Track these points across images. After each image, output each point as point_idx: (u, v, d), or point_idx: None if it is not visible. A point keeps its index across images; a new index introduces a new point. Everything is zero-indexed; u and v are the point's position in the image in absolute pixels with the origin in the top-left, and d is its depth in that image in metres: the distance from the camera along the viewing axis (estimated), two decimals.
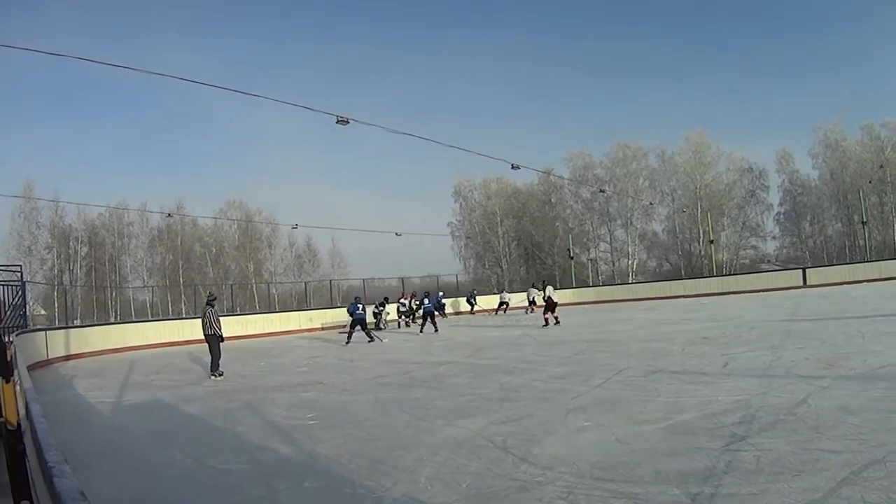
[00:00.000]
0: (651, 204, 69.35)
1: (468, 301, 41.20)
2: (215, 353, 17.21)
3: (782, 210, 70.90)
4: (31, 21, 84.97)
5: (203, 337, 17.78)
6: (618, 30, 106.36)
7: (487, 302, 42.27)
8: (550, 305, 27.02)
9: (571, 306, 43.64)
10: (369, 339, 25.76)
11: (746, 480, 5.69)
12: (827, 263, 54.34)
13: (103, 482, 7.30)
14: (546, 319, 26.74)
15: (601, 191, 64.90)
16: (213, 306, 17.96)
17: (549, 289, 27.76)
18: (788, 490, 5.37)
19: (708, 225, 61.15)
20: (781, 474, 5.77)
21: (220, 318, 18.06)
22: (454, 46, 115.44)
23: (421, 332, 27.83)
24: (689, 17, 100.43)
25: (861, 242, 58.10)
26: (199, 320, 18.23)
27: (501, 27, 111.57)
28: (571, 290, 50.01)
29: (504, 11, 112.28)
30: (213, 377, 16.77)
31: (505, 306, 39.08)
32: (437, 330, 27.66)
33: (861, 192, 55.27)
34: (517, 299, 42.43)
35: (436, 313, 31.29)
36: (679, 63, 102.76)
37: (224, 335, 18.03)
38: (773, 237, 71.62)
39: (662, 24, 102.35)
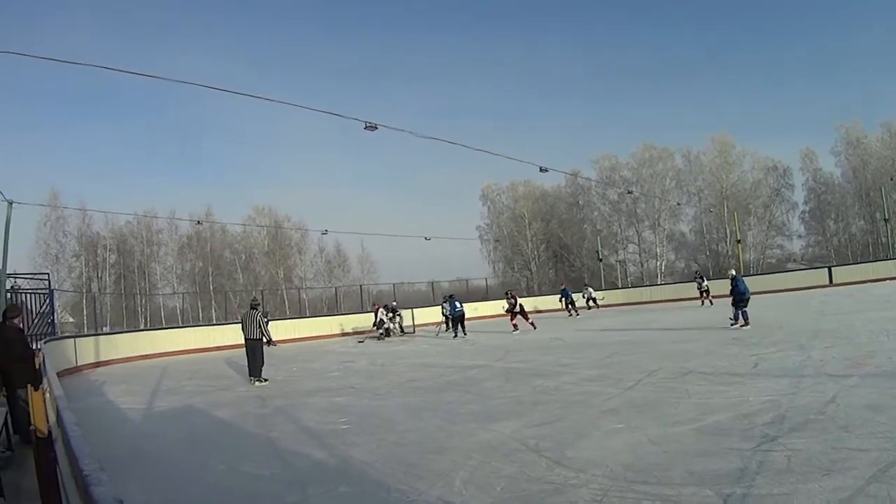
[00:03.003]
0: (678, 204, 69.19)
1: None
2: (259, 359, 17.02)
3: (807, 208, 70.69)
4: (54, 31, 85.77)
5: (244, 342, 17.49)
6: (640, 32, 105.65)
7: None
8: (523, 312, 27.65)
9: (601, 308, 43.58)
10: (454, 335, 26.97)
11: (778, 480, 5.73)
12: (852, 262, 53.79)
13: (135, 489, 7.38)
14: (515, 325, 27.17)
15: (629, 192, 64.68)
16: (257, 310, 17.63)
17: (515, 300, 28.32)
18: (818, 490, 5.42)
19: (735, 224, 60.75)
20: (811, 474, 5.81)
21: (267, 323, 17.99)
22: (480, 51, 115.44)
23: (455, 336, 27.73)
24: (711, 19, 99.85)
25: (884, 240, 57.57)
26: (236, 325, 18.15)
27: (527, 32, 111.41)
28: (601, 292, 49.86)
29: (530, 16, 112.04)
30: (256, 383, 16.67)
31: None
32: (465, 334, 27.68)
33: (883, 190, 54.80)
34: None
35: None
36: (701, 63, 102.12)
37: (273, 339, 18.03)
38: (799, 236, 71.45)
39: (684, 26, 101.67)
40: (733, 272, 22.46)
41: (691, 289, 35.66)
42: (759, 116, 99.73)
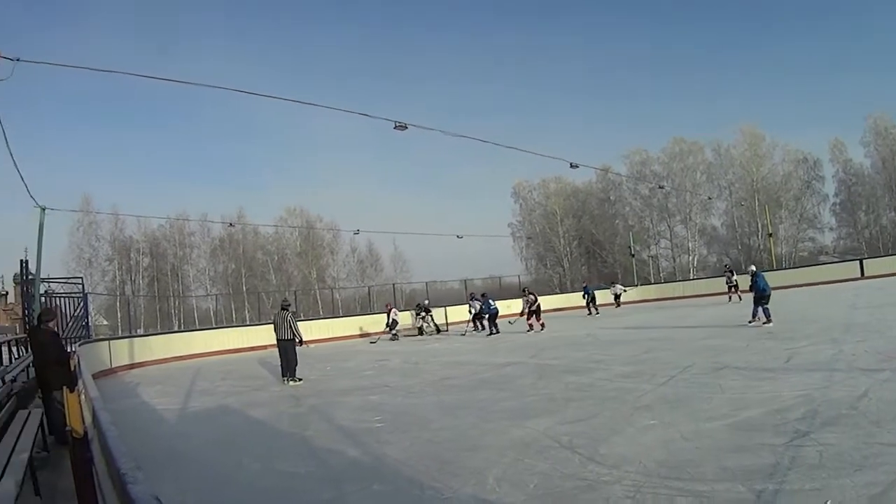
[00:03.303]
0: (709, 198, 68.62)
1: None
2: (292, 359, 17.12)
3: (837, 200, 69.85)
4: (84, 38, 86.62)
5: (276, 342, 17.65)
6: (666, 24, 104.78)
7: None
8: (538, 311, 27.17)
9: (634, 304, 43.67)
10: (489, 332, 27.02)
11: (809, 476, 5.74)
12: (883, 254, 53.25)
13: (171, 489, 7.46)
14: (530, 325, 26.83)
15: (660, 187, 64.24)
16: (288, 311, 17.79)
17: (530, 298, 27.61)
18: (850, 485, 5.41)
19: (766, 218, 60.30)
20: (843, 469, 5.80)
21: (298, 323, 18.10)
22: (508, 48, 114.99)
23: (490, 334, 27.75)
24: (737, 9, 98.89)
25: None
26: (269, 326, 18.27)
27: (554, 27, 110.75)
28: (634, 288, 49.68)
29: (555, 11, 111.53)
30: (290, 383, 16.78)
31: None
32: (498, 331, 27.69)
33: None
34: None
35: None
36: (728, 55, 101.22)
37: (304, 338, 18.11)
38: (831, 228, 70.64)
39: (710, 18, 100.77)
40: (753, 268, 22.26)
41: (723, 283, 35.38)
42: (787, 107, 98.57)
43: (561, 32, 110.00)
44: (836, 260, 53.53)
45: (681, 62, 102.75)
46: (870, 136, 66.99)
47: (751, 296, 20.53)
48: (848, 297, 26.44)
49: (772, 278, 39.82)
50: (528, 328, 26.78)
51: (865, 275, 38.75)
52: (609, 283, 47.07)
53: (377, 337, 32.06)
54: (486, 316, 28.49)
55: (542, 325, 26.83)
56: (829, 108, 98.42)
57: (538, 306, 27.20)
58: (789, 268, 51.15)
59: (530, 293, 27.34)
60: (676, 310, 32.16)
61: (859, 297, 25.80)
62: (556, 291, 52.67)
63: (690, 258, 70.11)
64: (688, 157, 71.02)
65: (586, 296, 37.64)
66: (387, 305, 34.86)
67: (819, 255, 65.96)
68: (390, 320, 31.63)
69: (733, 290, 33.67)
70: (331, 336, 33.88)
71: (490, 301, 28.93)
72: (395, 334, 31.41)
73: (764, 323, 19.07)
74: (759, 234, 66.86)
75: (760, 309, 19.49)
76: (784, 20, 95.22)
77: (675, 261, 71.91)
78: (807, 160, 69.92)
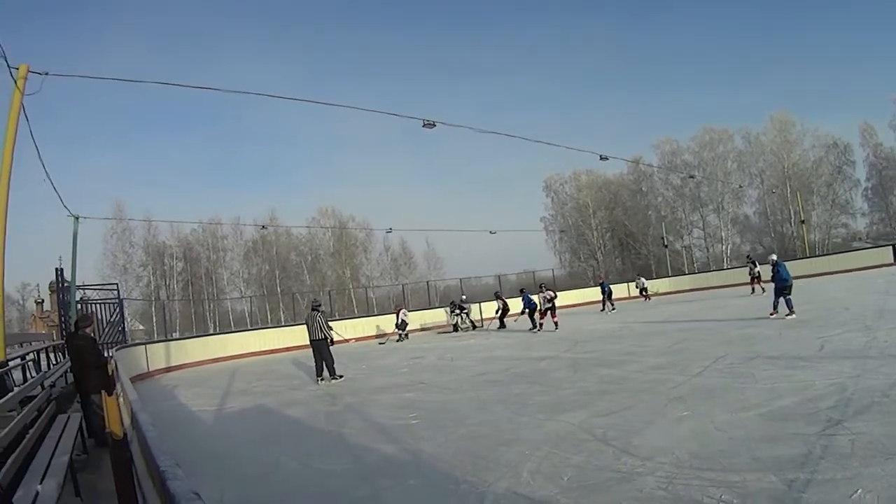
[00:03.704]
0: (740, 187, 68.18)
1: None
2: (328, 358, 17.24)
3: (869, 185, 69.07)
4: (118, 47, 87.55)
5: (309, 343, 17.80)
6: (691, 14, 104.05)
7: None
8: (553, 309, 26.22)
9: (667, 295, 43.61)
10: (532, 327, 26.59)
11: (841, 465, 5.77)
12: None
13: (210, 488, 7.61)
14: (541, 324, 26.34)
15: (691, 176, 63.91)
16: (319, 311, 17.94)
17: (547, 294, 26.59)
18: (881, 474, 5.45)
19: (798, 205, 59.78)
20: (874, 458, 5.84)
21: (329, 322, 18.21)
22: (535, 42, 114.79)
23: (533, 328, 27.25)
24: None
25: None
26: (304, 326, 18.38)
27: (579, 19, 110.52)
28: (668, 278, 49.48)
29: (583, 4, 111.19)
30: (332, 381, 16.92)
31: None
32: (539, 326, 27.53)
33: None
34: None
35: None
36: (756, 41, 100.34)
37: (335, 338, 18.17)
38: (863, 214, 69.86)
39: (735, 5, 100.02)
40: (774, 257, 21.68)
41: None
42: (815, 92, 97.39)
43: (588, 25, 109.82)
44: (869, 245, 52.76)
45: (707, 51, 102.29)
46: None
47: (771, 286, 20.29)
48: (881, 283, 26.17)
49: (804, 266, 39.61)
50: (538, 327, 26.41)
51: None
52: (636, 276, 46.86)
53: (386, 338, 32.18)
54: (527, 311, 28.26)
55: (556, 323, 26.08)
56: (857, 93, 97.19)
57: (554, 303, 26.51)
58: (822, 255, 50.50)
59: (548, 289, 26.74)
60: (710, 300, 31.96)
61: (892, 283, 25.55)
62: (590, 284, 52.26)
63: (724, 247, 69.62)
64: (718, 145, 70.57)
65: (603, 291, 36.30)
66: (396, 306, 34.98)
67: (852, 241, 65.14)
68: (399, 321, 31.68)
69: (756, 280, 33.00)
70: (365, 335, 33.99)
71: (528, 295, 28.74)
72: (402, 335, 31.43)
73: (787, 315, 18.74)
74: (792, 221, 66.31)
75: (782, 300, 19.14)
76: (809, 4, 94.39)
77: (708, 251, 71.48)
78: (837, 145, 69.07)
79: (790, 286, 19.27)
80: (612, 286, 36.75)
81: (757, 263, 33.74)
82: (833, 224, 68.30)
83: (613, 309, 34.37)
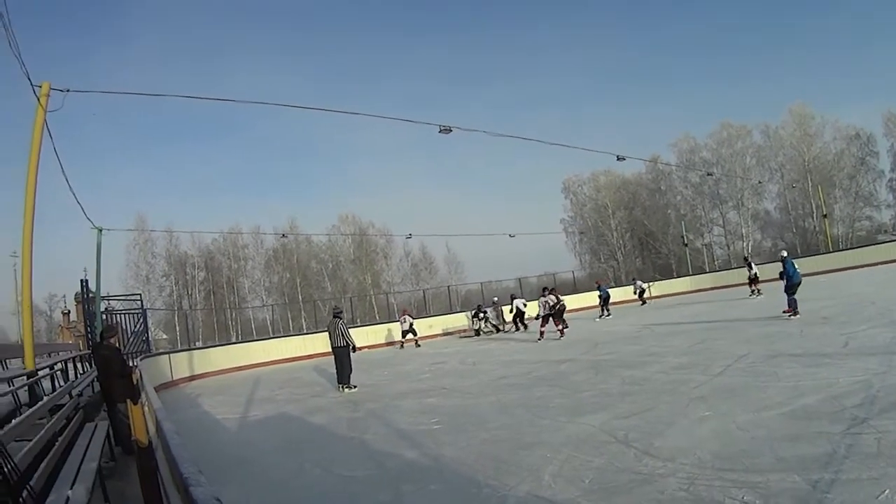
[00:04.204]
0: (760, 182, 67.64)
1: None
2: (347, 366, 17.24)
3: (894, 176, 67.88)
4: (131, 60, 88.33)
5: (331, 350, 17.80)
6: (708, 8, 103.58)
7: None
8: (560, 314, 24.52)
9: (688, 294, 43.16)
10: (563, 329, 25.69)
11: (867, 465, 5.70)
12: None
13: (235, 493, 7.76)
14: (542, 332, 24.46)
15: (709, 174, 63.40)
16: (340, 318, 17.97)
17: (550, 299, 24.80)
18: None
19: (820, 198, 59.38)
20: None
21: (350, 330, 18.20)
22: (547, 42, 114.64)
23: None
24: None
25: None
26: (326, 334, 18.40)
27: (590, 19, 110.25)
28: (689, 277, 49.13)
29: (597, 3, 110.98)
30: (346, 390, 16.88)
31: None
32: (566, 326, 27.23)
33: None
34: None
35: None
36: (772, 33, 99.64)
37: (357, 345, 18.15)
38: (888, 205, 68.68)
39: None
40: (784, 253, 21.21)
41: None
42: (836, 83, 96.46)
43: (601, 24, 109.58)
44: (894, 238, 52.34)
45: (723, 46, 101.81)
46: None
47: (771, 285, 19.90)
48: None
49: (827, 260, 39.28)
50: (539, 335, 24.53)
51: None
52: (633, 280, 46.73)
53: (400, 343, 32.13)
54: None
55: (561, 330, 24.22)
56: (881, 81, 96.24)
57: (561, 308, 25.03)
58: (846, 249, 50.06)
59: (551, 293, 25.40)
60: (731, 298, 31.30)
61: None
62: (611, 285, 52.11)
63: (745, 244, 69.08)
64: (736, 141, 70.23)
65: (600, 296, 34.44)
66: (403, 311, 34.79)
67: (877, 234, 64.38)
68: (407, 326, 31.68)
69: (753, 282, 31.40)
70: (388, 340, 34.13)
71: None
72: (403, 344, 31.53)
73: (790, 313, 18.50)
74: (814, 215, 65.68)
75: (794, 298, 18.78)
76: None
77: (729, 248, 71.01)
78: (859, 136, 68.18)
79: (798, 284, 18.99)
80: (610, 290, 35.75)
81: (753, 265, 32.40)
82: (857, 217, 67.46)
83: (609, 315, 32.77)
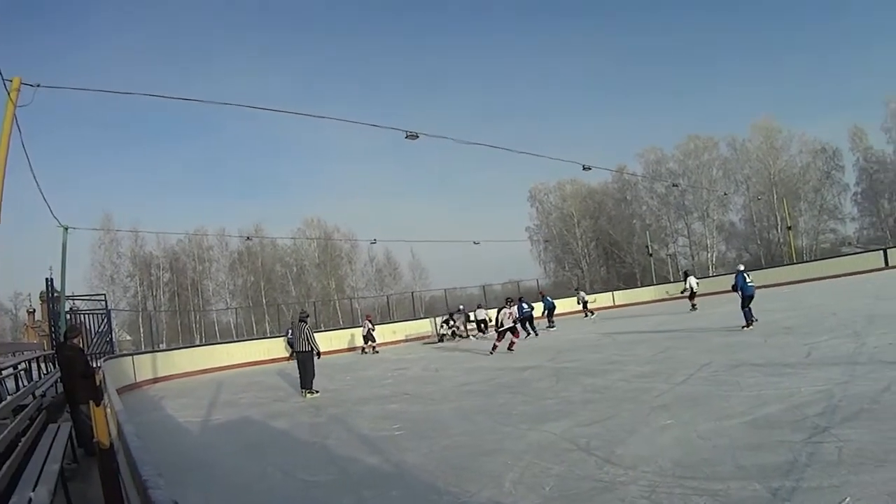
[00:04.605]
0: (725, 194, 68.09)
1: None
2: (310, 371, 17.07)
3: (859, 189, 68.70)
4: (103, 60, 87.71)
5: (295, 354, 17.72)
6: (676, 20, 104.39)
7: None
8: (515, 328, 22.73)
9: (651, 304, 43.25)
10: (527, 335, 26.50)
11: (828, 473, 5.72)
12: None
13: (195, 496, 7.73)
14: (495, 346, 22.55)
15: (674, 185, 63.87)
16: (306, 323, 17.86)
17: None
18: (870, 481, 5.39)
19: (785, 211, 59.92)
20: (863, 465, 5.79)
21: (315, 335, 18.03)
22: (515, 51, 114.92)
23: (527, 336, 26.91)
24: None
25: None
26: (290, 337, 18.31)
27: (558, 29, 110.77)
28: (653, 287, 49.31)
29: (557, 11, 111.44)
30: (308, 395, 16.71)
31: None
32: (536, 334, 27.52)
33: None
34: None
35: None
36: (741, 46, 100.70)
37: (321, 350, 18.04)
38: (852, 218, 69.63)
39: (718, 9, 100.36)
40: (741, 267, 21.60)
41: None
42: (803, 97, 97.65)
43: (571, 33, 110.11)
44: (860, 250, 52.83)
45: (692, 56, 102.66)
46: (891, 122, 65.71)
47: (707, 299, 19.96)
48: (871, 288, 26.21)
49: (791, 272, 39.71)
50: (491, 348, 22.57)
51: (890, 264, 38.22)
52: (576, 290, 46.26)
53: (361, 348, 32.08)
54: (523, 319, 27.76)
55: (512, 343, 22.37)
56: (847, 97, 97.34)
57: (519, 319, 24.35)
58: (810, 260, 50.60)
59: (513, 303, 23.64)
60: (675, 314, 31.24)
61: (883, 287, 25.58)
62: (572, 294, 52.40)
63: (709, 255, 69.66)
64: (703, 153, 70.71)
65: (544, 306, 33.79)
66: (367, 317, 34.66)
67: (841, 247, 65.15)
68: (366, 332, 31.71)
69: (690, 295, 30.53)
70: (352, 346, 34.05)
71: (524, 304, 28.31)
72: (365, 349, 31.60)
73: (744, 327, 18.67)
74: (779, 227, 66.23)
75: (743, 311, 19.08)
76: (797, 5, 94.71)
77: (693, 258, 71.46)
78: (825, 150, 69.06)
79: (750, 297, 19.23)
80: (555, 301, 35.16)
81: (688, 279, 31.54)
82: (821, 229, 68.21)
83: (553, 327, 31.93)
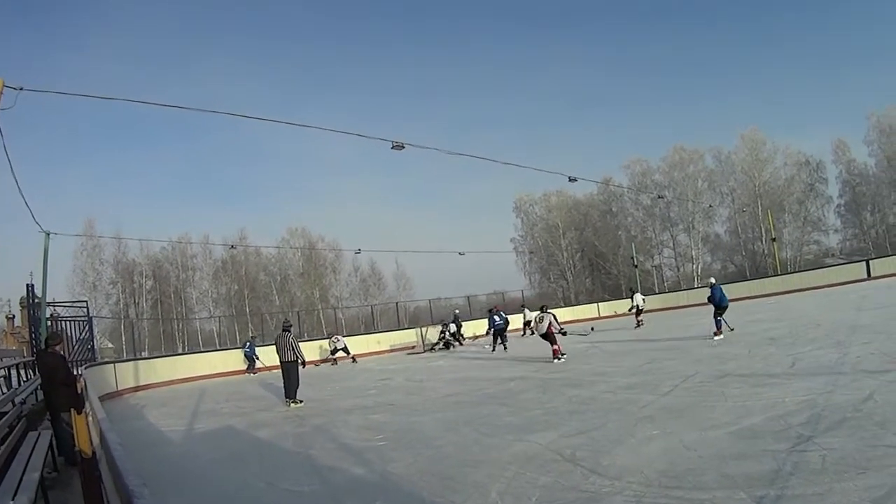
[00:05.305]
0: (710, 206, 68.47)
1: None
2: (294, 380, 17.02)
3: (842, 201, 69.68)
4: (87, 65, 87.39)
5: (279, 364, 17.58)
6: (662, 31, 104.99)
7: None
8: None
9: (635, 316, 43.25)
10: (503, 345, 26.63)
11: (812, 481, 5.73)
12: (890, 253, 52.78)
13: None
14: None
15: (660, 196, 64.09)
16: (290, 332, 17.68)
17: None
18: (853, 489, 5.41)
19: (769, 223, 60.19)
20: (846, 473, 5.80)
21: (299, 344, 17.97)
22: (501, 62, 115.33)
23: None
24: (733, 12, 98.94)
25: None
26: (273, 347, 18.27)
27: (544, 41, 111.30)
28: (554, 310, 49.38)
29: (546, 22, 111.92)
30: (292, 405, 16.63)
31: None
32: (506, 348, 27.06)
33: None
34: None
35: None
36: (728, 59, 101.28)
37: (306, 360, 18.10)
38: (836, 230, 70.45)
39: (705, 22, 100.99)
40: (712, 280, 21.91)
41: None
42: (788, 110, 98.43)
43: (557, 45, 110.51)
44: (843, 261, 53.13)
45: (677, 68, 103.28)
46: (873, 135, 66.67)
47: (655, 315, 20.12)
48: (854, 298, 26.25)
49: (775, 283, 39.79)
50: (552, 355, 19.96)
51: (872, 275, 38.30)
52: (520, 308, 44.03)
53: (333, 360, 32.15)
54: (493, 330, 27.74)
55: (556, 352, 19.63)
56: (831, 109, 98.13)
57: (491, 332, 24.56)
58: (794, 272, 50.82)
59: (496, 313, 24.20)
60: (680, 319, 31.27)
61: (866, 298, 25.64)
62: (560, 305, 52.29)
63: (694, 266, 70.01)
64: (688, 165, 71.05)
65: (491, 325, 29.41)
66: (332, 333, 35.71)
67: (825, 258, 65.60)
68: (333, 347, 31.96)
69: (637, 313, 31.14)
70: (323, 357, 33.59)
71: (495, 317, 27.99)
72: (335, 361, 31.77)
73: (715, 334, 19.10)
74: (763, 239, 66.73)
75: (720, 319, 19.52)
76: (782, 20, 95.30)
77: (678, 270, 71.91)
78: (809, 163, 69.75)
79: (725, 307, 19.83)
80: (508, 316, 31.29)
81: (634, 296, 32.13)
82: (805, 241, 68.76)
83: (493, 350, 28.12)
